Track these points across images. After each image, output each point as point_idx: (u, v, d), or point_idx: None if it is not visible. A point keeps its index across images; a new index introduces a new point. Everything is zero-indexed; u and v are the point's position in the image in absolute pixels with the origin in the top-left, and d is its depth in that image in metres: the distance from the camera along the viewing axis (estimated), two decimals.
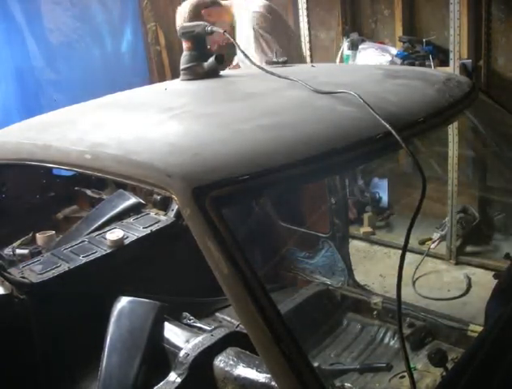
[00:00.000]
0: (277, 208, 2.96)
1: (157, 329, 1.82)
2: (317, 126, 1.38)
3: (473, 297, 3.51)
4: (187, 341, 1.73)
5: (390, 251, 4.19)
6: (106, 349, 1.82)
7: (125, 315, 1.89)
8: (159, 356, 1.77)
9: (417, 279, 3.77)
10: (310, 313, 2.69)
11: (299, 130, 1.34)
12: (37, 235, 2.91)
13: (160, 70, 5.13)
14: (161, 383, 1.63)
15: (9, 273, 2.17)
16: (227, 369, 1.59)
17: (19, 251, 2.60)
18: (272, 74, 1.78)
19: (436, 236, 4.10)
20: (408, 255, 4.14)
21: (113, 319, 1.89)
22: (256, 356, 1.51)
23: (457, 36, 3.47)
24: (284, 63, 2.13)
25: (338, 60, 4.32)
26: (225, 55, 2.18)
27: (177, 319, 1.95)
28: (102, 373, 1.79)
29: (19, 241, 2.76)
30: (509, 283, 1.86)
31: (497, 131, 2.23)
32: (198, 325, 1.95)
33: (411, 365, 2.36)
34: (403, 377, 2.31)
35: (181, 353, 1.67)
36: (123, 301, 1.93)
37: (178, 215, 2.63)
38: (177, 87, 1.94)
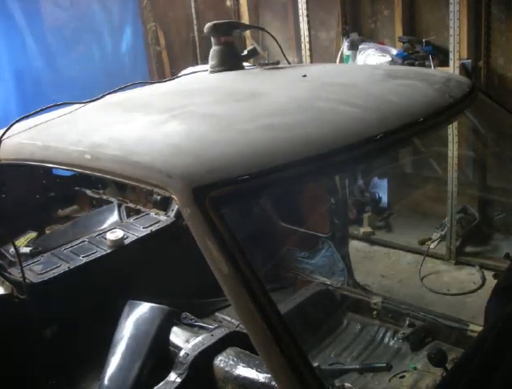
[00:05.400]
0: (277, 208, 2.96)
1: (164, 333, 1.82)
2: (317, 126, 1.38)
3: (472, 296, 3.52)
4: (187, 341, 1.73)
5: (390, 251, 4.20)
6: (110, 351, 1.82)
7: (133, 319, 1.89)
8: (164, 360, 1.77)
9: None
10: (310, 313, 2.69)
11: (299, 131, 1.34)
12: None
13: (159, 70, 5.13)
14: (161, 383, 1.63)
15: (9, 273, 2.17)
16: (227, 369, 1.59)
17: (23, 250, 2.61)
18: None
19: (436, 236, 4.10)
20: (408, 255, 4.20)
21: (120, 322, 1.89)
22: (256, 356, 1.51)
23: (457, 36, 3.47)
24: (277, 64, 2.14)
25: (338, 60, 4.32)
26: None
27: (177, 319, 1.95)
28: (103, 374, 1.79)
29: (23, 240, 2.76)
30: (509, 283, 1.86)
31: (496, 131, 2.23)
32: (199, 324, 1.95)
33: (412, 365, 2.36)
34: (402, 377, 2.31)
35: (181, 353, 1.67)
36: (132, 305, 1.93)
37: (178, 215, 2.63)
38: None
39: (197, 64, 4.81)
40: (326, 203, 2.78)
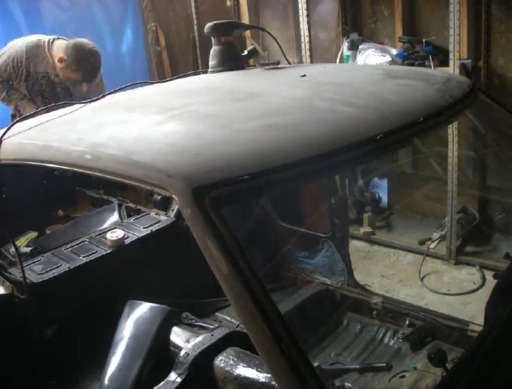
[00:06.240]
0: (277, 208, 2.96)
1: (164, 333, 1.82)
2: (317, 126, 1.38)
3: (472, 296, 3.53)
4: (187, 341, 1.73)
5: (390, 251, 4.20)
6: (110, 351, 1.82)
7: (133, 319, 1.89)
8: (164, 360, 1.77)
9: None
10: (310, 313, 2.69)
11: (299, 131, 1.34)
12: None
13: (160, 70, 5.13)
14: (161, 383, 1.63)
15: (9, 273, 2.17)
16: (227, 369, 1.59)
17: (23, 250, 2.61)
18: None
19: (436, 236, 4.10)
20: (408, 255, 4.21)
21: (120, 322, 1.89)
22: (256, 356, 1.51)
23: (457, 36, 3.47)
24: (277, 64, 2.14)
25: (338, 60, 4.33)
26: None
27: (177, 319, 1.95)
28: (103, 374, 1.79)
29: (23, 240, 2.77)
30: (509, 283, 1.86)
31: (497, 131, 2.23)
32: (199, 324, 1.95)
33: (412, 365, 2.36)
34: (403, 377, 2.31)
35: (181, 353, 1.67)
36: (132, 305, 1.93)
37: (178, 215, 2.63)
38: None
39: (197, 64, 4.82)
40: (326, 203, 2.78)
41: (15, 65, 3.41)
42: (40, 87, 3.52)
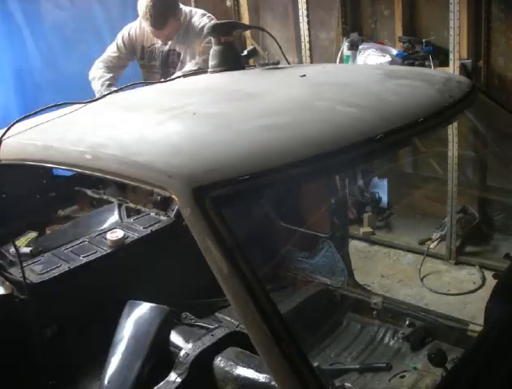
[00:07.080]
0: (277, 208, 2.96)
1: (164, 333, 1.82)
2: (317, 126, 1.38)
3: (472, 296, 3.53)
4: (187, 341, 1.73)
5: (390, 251, 4.20)
6: (110, 351, 1.82)
7: (133, 319, 1.89)
8: (164, 360, 1.77)
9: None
10: (310, 313, 2.69)
11: (299, 131, 1.35)
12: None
13: None
14: (161, 383, 1.63)
15: (9, 273, 2.17)
16: (227, 369, 1.59)
17: (23, 250, 2.61)
18: None
19: (436, 236, 4.10)
20: (408, 255, 4.20)
21: (120, 322, 1.89)
22: (256, 356, 1.51)
23: (457, 36, 3.47)
24: (277, 64, 2.14)
25: (338, 60, 4.32)
26: None
27: (177, 319, 1.95)
28: (103, 374, 1.79)
29: (23, 240, 2.76)
30: (509, 283, 1.86)
31: (497, 131, 2.23)
32: (199, 324, 1.95)
33: (412, 365, 2.36)
34: (403, 377, 2.31)
35: (181, 353, 1.67)
36: (132, 305, 1.93)
37: (178, 215, 2.63)
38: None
39: None
40: (326, 203, 2.78)
41: None
42: None
